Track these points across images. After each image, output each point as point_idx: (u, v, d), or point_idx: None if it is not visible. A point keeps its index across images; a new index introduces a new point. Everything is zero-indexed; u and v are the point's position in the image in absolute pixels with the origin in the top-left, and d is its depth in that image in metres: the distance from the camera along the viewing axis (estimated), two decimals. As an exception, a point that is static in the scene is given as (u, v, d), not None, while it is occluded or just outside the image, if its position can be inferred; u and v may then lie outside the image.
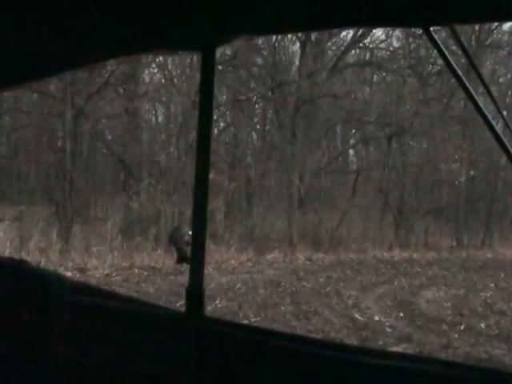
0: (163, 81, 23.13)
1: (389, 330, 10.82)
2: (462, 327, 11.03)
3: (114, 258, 16.26)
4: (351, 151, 29.28)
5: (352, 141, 28.78)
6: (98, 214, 21.57)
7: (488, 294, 14.50)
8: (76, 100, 19.33)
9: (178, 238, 15.92)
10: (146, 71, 23.82)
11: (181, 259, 15.38)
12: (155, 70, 23.99)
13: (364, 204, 24.07)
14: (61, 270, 13.37)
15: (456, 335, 10.49)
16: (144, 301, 3.16)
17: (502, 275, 17.54)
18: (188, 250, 14.79)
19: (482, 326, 11.22)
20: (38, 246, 16.35)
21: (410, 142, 24.47)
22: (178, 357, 2.69)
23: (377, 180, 24.99)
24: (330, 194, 24.97)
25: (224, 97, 23.61)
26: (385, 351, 3.28)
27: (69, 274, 13.51)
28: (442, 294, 14.50)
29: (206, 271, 2.95)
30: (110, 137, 23.44)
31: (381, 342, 9.88)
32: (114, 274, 14.85)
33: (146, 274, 15.23)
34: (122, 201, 20.06)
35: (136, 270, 15.49)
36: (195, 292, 2.79)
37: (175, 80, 21.69)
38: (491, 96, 2.02)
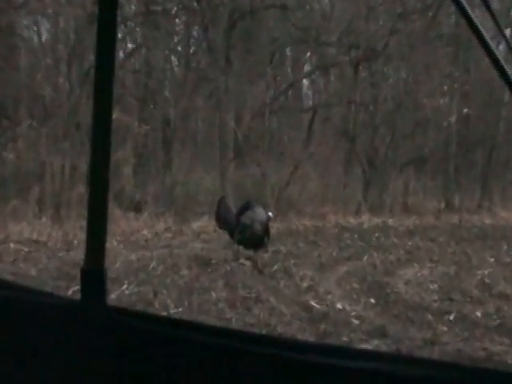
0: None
1: (356, 321, 10.99)
2: (451, 316, 11.26)
3: (-18, 230, 16.15)
4: (305, 82, 29.41)
5: (306, 68, 28.89)
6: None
7: (486, 272, 14.79)
8: None
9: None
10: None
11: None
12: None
13: (323, 153, 24.22)
14: None
15: (444, 327, 10.70)
16: (25, 286, 3.15)
17: (505, 247, 17.91)
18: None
19: (479, 314, 11.47)
20: None
21: (384, 70, 24.65)
22: (73, 357, 2.70)
23: (340, 121, 25.18)
24: (277, 139, 25.06)
25: (132, 7, 23.35)
26: (352, 349, 3.31)
27: None
28: (425, 272, 14.75)
29: (108, 245, 2.94)
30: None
31: (345, 338, 10.04)
32: (-19, 251, 14.76)
33: (25, 249, 15.13)
34: (-7, 151, 19.85)
35: (12, 245, 15.37)
36: (94, 273, 2.78)
37: (65, -15, 21.39)
38: (489, 9, 2.03)
